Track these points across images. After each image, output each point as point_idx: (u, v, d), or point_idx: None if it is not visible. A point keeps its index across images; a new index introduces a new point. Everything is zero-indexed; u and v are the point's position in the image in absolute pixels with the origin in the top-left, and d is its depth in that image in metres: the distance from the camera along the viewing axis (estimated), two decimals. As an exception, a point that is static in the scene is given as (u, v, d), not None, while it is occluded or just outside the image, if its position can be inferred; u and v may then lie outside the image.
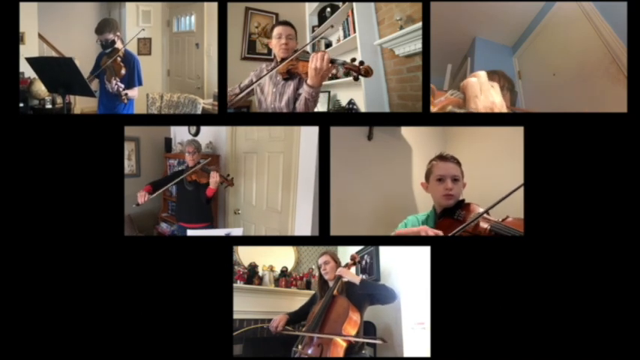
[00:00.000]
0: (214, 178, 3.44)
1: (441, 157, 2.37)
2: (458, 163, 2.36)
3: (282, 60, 2.70)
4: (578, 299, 2.47)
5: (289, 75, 2.68)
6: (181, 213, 3.70)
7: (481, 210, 2.16)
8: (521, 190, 2.47)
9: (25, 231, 2.50)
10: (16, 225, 2.49)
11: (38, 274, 2.49)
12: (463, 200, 2.31)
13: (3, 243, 2.49)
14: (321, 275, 2.87)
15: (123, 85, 3.28)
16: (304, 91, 2.49)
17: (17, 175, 2.50)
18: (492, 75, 2.72)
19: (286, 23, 2.76)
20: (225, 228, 3.83)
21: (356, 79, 2.39)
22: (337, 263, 2.83)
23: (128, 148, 4.77)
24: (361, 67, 2.35)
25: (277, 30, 2.74)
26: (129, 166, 4.82)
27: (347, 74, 2.41)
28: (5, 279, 2.48)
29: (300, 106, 2.56)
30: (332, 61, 2.38)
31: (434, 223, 2.35)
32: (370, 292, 2.63)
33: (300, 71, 2.59)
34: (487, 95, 1.98)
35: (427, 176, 2.41)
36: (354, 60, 2.37)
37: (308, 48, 2.90)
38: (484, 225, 2.08)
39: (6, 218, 2.49)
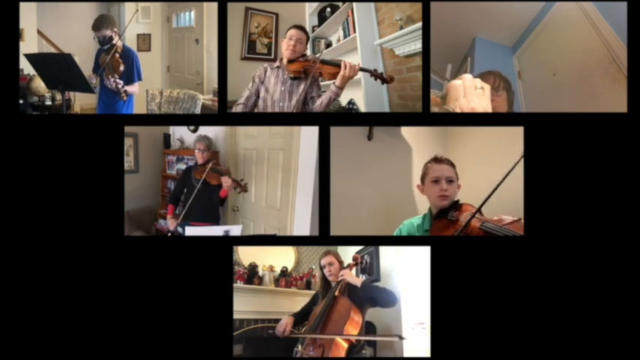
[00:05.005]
0: (226, 183, 3.48)
1: (436, 160, 2.41)
2: (452, 165, 2.40)
3: (290, 60, 2.79)
4: (578, 299, 2.48)
5: (302, 75, 2.82)
6: (189, 211, 3.68)
7: (473, 209, 2.20)
8: (522, 190, 2.50)
9: (24, 230, 2.50)
10: (15, 224, 2.49)
11: (38, 273, 2.49)
12: (457, 201, 2.34)
13: (3, 242, 2.49)
14: (323, 276, 2.87)
15: (122, 82, 3.28)
16: (332, 91, 2.71)
17: (17, 174, 2.50)
18: (487, 75, 2.74)
19: (301, 28, 2.90)
20: (224, 225, 3.82)
21: (382, 83, 2.75)
22: (341, 264, 2.84)
23: (126, 144, 4.74)
24: (385, 75, 2.70)
25: (290, 32, 2.88)
26: (127, 162, 4.79)
27: (375, 79, 2.72)
28: (5, 278, 2.48)
29: (322, 105, 2.75)
30: (361, 69, 2.73)
31: (430, 224, 2.38)
32: (371, 295, 2.63)
33: (324, 73, 2.77)
34: (469, 100, 2.00)
35: (422, 178, 2.44)
36: (375, 70, 2.70)
37: (307, 50, 2.95)
38: (475, 223, 2.13)
39: (6, 218, 2.49)
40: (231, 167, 4.28)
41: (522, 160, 2.47)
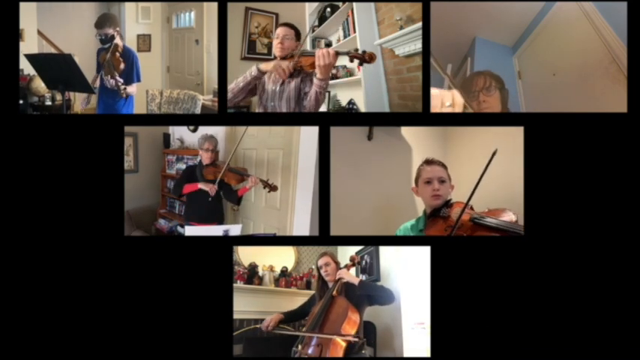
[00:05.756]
0: (253, 183, 3.44)
1: (427, 162, 2.46)
2: (444, 166, 2.45)
3: (282, 59, 2.76)
4: (578, 299, 2.48)
5: (291, 72, 2.73)
6: (192, 212, 3.68)
7: (463, 205, 2.24)
8: (522, 189, 2.53)
9: (25, 230, 2.50)
10: (16, 224, 2.50)
11: (39, 273, 2.49)
12: (450, 200, 2.38)
13: (3, 242, 2.49)
14: (320, 276, 2.88)
15: (122, 80, 3.27)
16: (315, 85, 2.57)
17: (17, 174, 2.50)
18: (477, 76, 2.75)
19: (287, 25, 2.84)
20: (224, 225, 3.83)
21: (360, 64, 2.56)
22: (337, 264, 2.84)
23: (126, 143, 4.74)
24: (365, 54, 2.47)
25: (277, 31, 2.83)
26: (127, 161, 4.78)
27: (352, 61, 2.54)
28: (5, 278, 2.48)
29: (311, 101, 2.64)
30: (337, 53, 2.50)
31: (424, 224, 2.41)
32: (369, 293, 2.64)
33: (303, 65, 2.66)
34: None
35: (416, 180, 2.48)
36: (356, 50, 2.52)
37: (308, 48, 2.93)
38: (465, 217, 2.19)
39: (6, 218, 2.49)
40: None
41: (522, 161, 2.51)
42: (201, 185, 3.53)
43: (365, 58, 2.48)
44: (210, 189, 3.48)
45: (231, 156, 3.57)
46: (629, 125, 2.50)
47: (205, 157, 3.58)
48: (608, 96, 2.58)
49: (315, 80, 2.58)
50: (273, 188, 3.46)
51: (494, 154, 2.10)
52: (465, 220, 2.18)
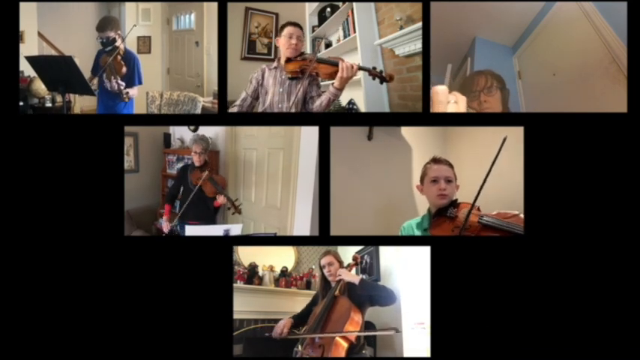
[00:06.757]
0: (221, 200, 3.55)
1: (435, 160, 2.44)
2: (451, 165, 2.43)
3: (288, 59, 2.75)
4: (578, 299, 2.48)
5: (300, 75, 2.75)
6: (186, 212, 3.69)
7: (470, 206, 2.22)
8: (522, 189, 2.51)
9: (25, 230, 2.50)
10: (16, 224, 2.50)
11: (39, 273, 2.49)
12: (456, 200, 2.37)
13: (3, 242, 2.49)
14: (323, 276, 2.87)
15: (124, 84, 3.28)
16: (330, 92, 2.63)
17: (17, 174, 2.50)
18: (479, 75, 2.75)
19: (296, 24, 2.83)
20: (224, 225, 3.83)
21: (381, 83, 2.65)
22: (341, 264, 2.84)
23: (127, 143, 4.74)
24: (383, 73, 2.60)
25: (288, 30, 2.80)
26: (127, 161, 4.79)
27: (374, 79, 2.63)
28: (5, 278, 2.48)
29: (322, 106, 2.69)
30: (360, 68, 2.62)
31: (429, 223, 2.39)
32: (370, 292, 2.63)
33: (320, 73, 2.71)
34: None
35: (422, 179, 2.47)
36: (374, 68, 2.61)
37: (307, 48, 2.93)
38: (474, 218, 2.17)
39: (6, 218, 2.49)
40: (230, 167, 4.28)
41: (522, 161, 2.51)
42: (164, 219, 3.76)
43: (384, 77, 2.58)
44: (165, 227, 3.69)
45: (208, 167, 3.63)
46: (629, 125, 2.50)
47: (195, 160, 3.64)
48: (608, 96, 2.58)
49: (331, 88, 2.62)
50: (237, 210, 3.58)
51: (504, 140, 2.07)
52: (473, 222, 2.16)
